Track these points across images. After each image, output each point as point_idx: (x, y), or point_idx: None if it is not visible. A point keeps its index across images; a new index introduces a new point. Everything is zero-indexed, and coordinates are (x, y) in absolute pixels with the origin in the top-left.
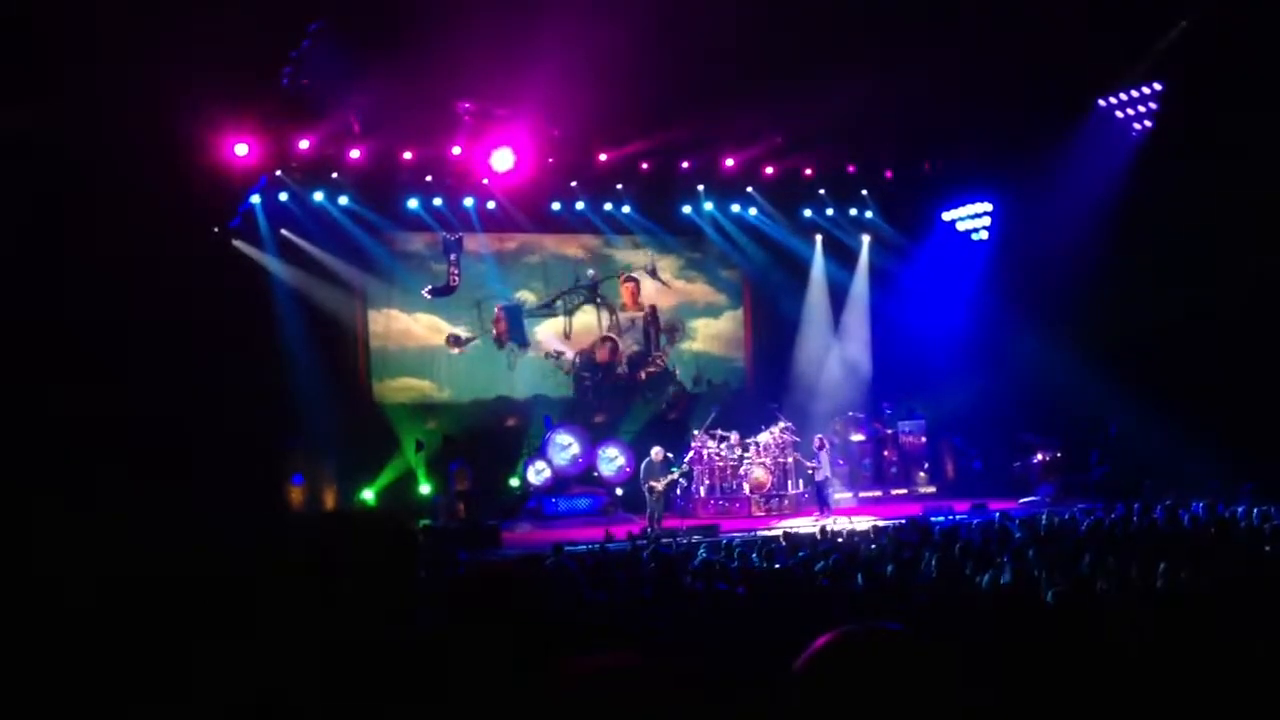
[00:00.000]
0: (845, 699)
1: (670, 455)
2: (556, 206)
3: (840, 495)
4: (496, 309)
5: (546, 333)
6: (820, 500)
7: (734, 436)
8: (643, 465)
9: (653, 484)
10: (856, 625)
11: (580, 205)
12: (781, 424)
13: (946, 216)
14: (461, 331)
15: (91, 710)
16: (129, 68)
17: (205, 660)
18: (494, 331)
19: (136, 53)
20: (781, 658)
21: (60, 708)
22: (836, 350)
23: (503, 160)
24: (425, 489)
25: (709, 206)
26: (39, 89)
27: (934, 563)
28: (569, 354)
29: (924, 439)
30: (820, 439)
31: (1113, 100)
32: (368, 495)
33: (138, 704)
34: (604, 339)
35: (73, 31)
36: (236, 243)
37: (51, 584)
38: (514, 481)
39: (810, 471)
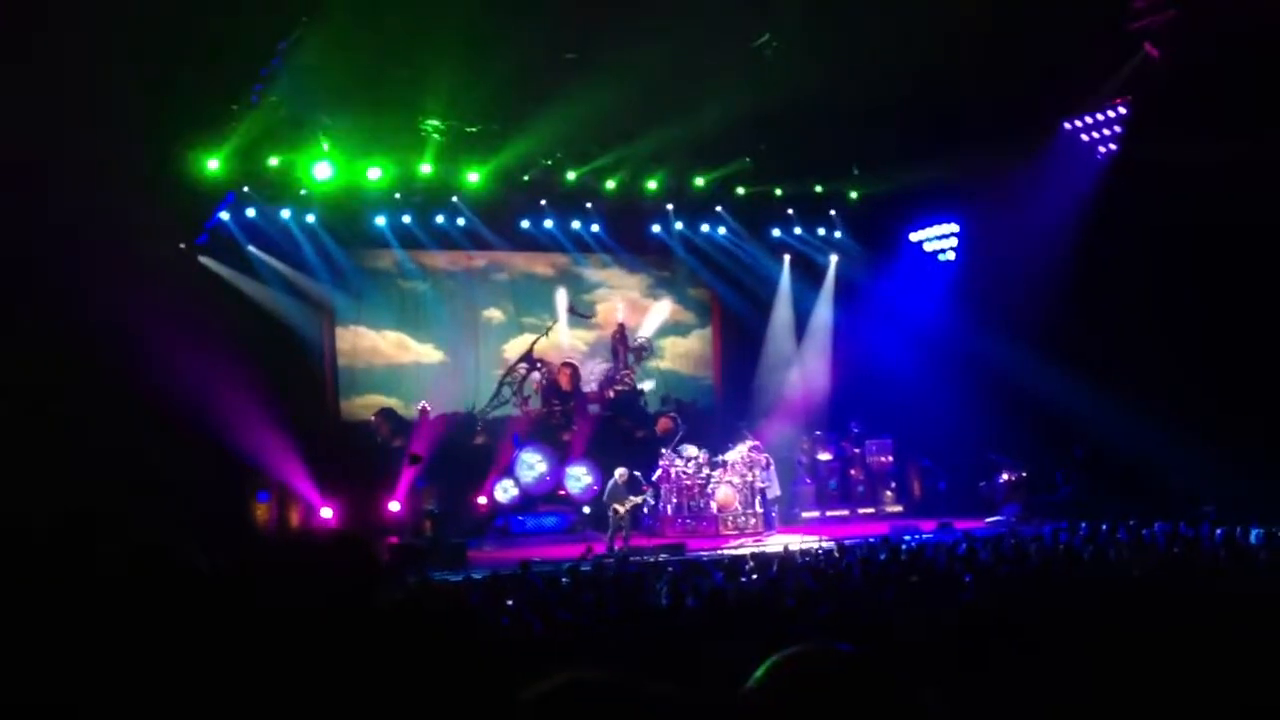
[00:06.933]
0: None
1: (638, 474)
2: (525, 224)
3: (808, 514)
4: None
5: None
6: (768, 518)
7: (702, 455)
8: (608, 486)
9: (616, 506)
10: (805, 646)
11: (549, 224)
12: (750, 442)
13: (914, 237)
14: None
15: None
16: (99, 80)
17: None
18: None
19: (107, 67)
20: (741, 677)
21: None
22: (802, 369)
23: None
24: (394, 507)
25: (678, 226)
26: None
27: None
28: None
29: (891, 458)
30: (765, 457)
31: (1078, 123)
32: (327, 513)
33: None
34: (564, 364)
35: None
36: (203, 259)
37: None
38: (481, 500)
39: (763, 489)
